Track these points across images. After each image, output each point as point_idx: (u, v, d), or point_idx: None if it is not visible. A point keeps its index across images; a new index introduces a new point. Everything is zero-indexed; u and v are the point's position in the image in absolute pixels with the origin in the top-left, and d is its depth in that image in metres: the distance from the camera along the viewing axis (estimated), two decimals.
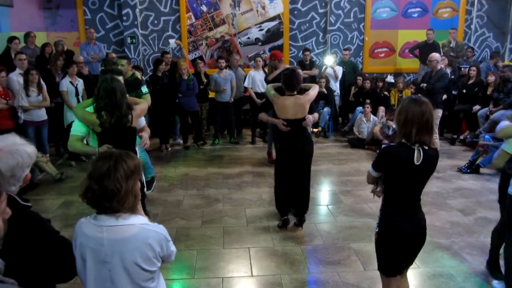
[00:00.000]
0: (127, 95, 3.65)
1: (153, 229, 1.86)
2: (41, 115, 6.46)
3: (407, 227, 2.56)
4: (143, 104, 3.66)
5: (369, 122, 8.04)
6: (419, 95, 2.68)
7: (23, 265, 1.65)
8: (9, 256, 1.55)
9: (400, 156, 2.49)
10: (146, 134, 3.64)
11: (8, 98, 6.09)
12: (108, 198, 1.76)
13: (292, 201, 4.67)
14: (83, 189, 1.79)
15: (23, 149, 1.74)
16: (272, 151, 6.55)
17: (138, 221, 1.84)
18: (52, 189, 5.83)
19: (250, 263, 3.90)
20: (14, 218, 1.53)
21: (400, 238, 2.57)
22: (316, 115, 4.62)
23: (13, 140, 1.76)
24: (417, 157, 2.47)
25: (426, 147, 2.49)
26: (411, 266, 2.87)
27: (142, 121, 3.84)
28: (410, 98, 2.56)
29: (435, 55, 7.37)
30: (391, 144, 2.74)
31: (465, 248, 4.18)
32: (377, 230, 2.69)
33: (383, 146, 2.82)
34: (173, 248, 1.95)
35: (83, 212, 2.88)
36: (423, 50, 9.13)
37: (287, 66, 6.38)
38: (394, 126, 7.72)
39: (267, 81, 6.83)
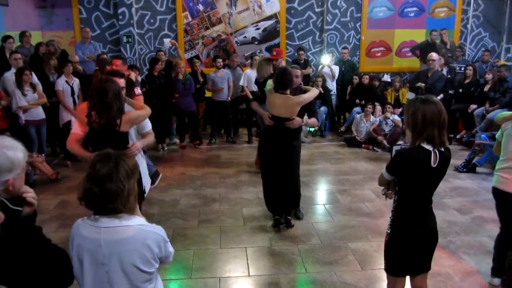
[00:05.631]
0: (127, 99, 3.60)
1: (151, 230, 1.85)
2: (40, 113, 6.45)
3: (420, 229, 2.54)
4: (142, 111, 3.54)
5: (368, 122, 8.05)
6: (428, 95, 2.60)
7: (16, 274, 1.60)
8: (1, 264, 1.52)
9: (417, 160, 2.44)
10: (140, 143, 3.48)
11: (0, 99, 6.06)
12: (111, 200, 1.75)
13: (280, 198, 4.64)
14: (82, 192, 1.77)
15: (2, 151, 1.65)
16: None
17: (136, 222, 1.83)
18: (48, 189, 5.79)
19: (247, 263, 3.89)
20: (4, 224, 1.49)
21: (412, 240, 2.54)
22: (311, 120, 4.61)
23: (0, 141, 1.69)
24: (434, 160, 2.43)
25: (442, 148, 2.45)
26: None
27: (147, 126, 3.70)
28: (419, 99, 2.48)
29: (435, 55, 7.38)
30: (402, 146, 2.69)
31: (462, 247, 4.18)
32: (388, 231, 2.64)
33: (395, 148, 2.74)
34: (171, 249, 1.94)
35: (79, 213, 2.84)
36: (426, 50, 9.08)
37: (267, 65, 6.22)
38: (391, 118, 7.75)
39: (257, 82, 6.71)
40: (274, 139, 4.48)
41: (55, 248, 1.75)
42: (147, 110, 3.60)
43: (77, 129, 3.48)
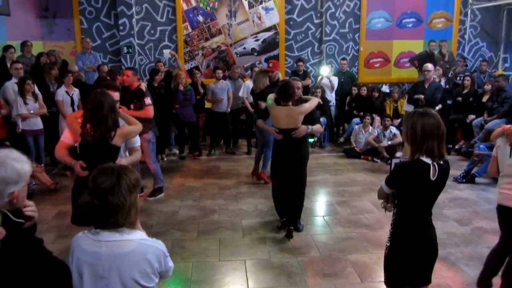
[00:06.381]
0: (120, 112, 3.62)
1: (152, 244, 1.85)
2: (38, 123, 6.48)
3: (419, 242, 2.53)
4: (134, 126, 3.58)
5: (367, 133, 8.06)
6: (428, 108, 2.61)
7: (17, 287, 1.61)
8: (2, 277, 1.52)
9: (417, 173, 2.43)
10: (125, 160, 3.49)
11: (0, 108, 6.09)
12: (112, 213, 1.75)
13: (286, 206, 4.73)
14: (83, 206, 1.77)
15: (11, 163, 1.66)
16: (259, 169, 6.50)
17: (136, 236, 1.83)
18: (46, 199, 5.78)
19: (246, 276, 3.87)
20: (6, 237, 1.49)
21: (412, 253, 2.54)
22: (316, 126, 4.69)
23: (7, 153, 1.70)
24: (433, 173, 2.42)
25: (441, 161, 2.45)
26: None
27: (136, 142, 3.73)
28: (418, 112, 2.49)
29: (430, 65, 7.41)
30: (401, 159, 2.69)
31: (462, 258, 4.17)
32: (388, 244, 2.63)
33: (394, 161, 2.73)
34: (171, 263, 1.93)
35: None
36: (424, 60, 9.14)
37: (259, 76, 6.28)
38: (393, 131, 7.77)
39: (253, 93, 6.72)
40: (286, 150, 4.58)
41: (56, 261, 1.76)
42: (139, 126, 3.65)
43: (67, 138, 3.52)
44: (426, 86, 7.34)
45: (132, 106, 5.17)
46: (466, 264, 4.05)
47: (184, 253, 4.29)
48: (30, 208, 1.83)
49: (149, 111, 5.23)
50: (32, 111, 6.31)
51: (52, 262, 1.74)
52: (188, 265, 4.02)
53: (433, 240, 2.61)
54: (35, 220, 1.90)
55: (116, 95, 3.63)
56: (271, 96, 4.71)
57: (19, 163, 1.69)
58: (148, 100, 5.23)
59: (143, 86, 5.57)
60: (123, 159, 3.50)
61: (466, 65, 9.59)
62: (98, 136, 3.26)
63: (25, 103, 6.24)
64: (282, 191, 4.73)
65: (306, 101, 4.68)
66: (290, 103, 4.53)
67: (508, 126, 3.34)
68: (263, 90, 5.98)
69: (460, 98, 8.15)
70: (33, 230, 1.92)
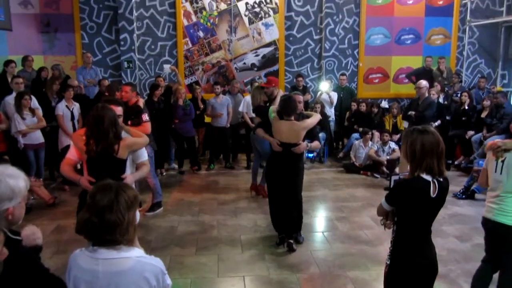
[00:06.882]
0: (123, 126, 3.61)
1: (150, 262, 1.83)
2: (39, 137, 6.50)
3: (420, 260, 2.52)
4: (140, 138, 3.56)
5: (367, 147, 8.07)
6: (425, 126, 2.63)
7: None
8: None
9: (417, 190, 2.44)
10: (132, 177, 3.41)
11: (0, 122, 6.11)
12: (110, 230, 1.73)
13: (286, 219, 4.72)
14: (81, 223, 1.76)
15: (4, 180, 1.65)
16: (257, 183, 6.51)
17: (134, 254, 1.81)
18: (44, 214, 5.75)
19: None
20: (8, 257, 1.49)
21: (412, 271, 2.52)
22: (314, 143, 4.77)
23: (1, 170, 1.69)
24: (433, 190, 2.43)
25: (441, 179, 2.46)
26: None
27: (143, 156, 3.65)
28: (417, 130, 2.50)
29: (423, 82, 7.48)
30: (401, 176, 2.69)
31: (462, 275, 4.13)
32: (388, 262, 2.61)
33: (393, 178, 2.72)
34: (169, 281, 1.91)
35: (76, 238, 2.84)
36: (422, 76, 9.22)
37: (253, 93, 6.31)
38: (392, 146, 7.77)
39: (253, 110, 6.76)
40: (281, 163, 4.63)
41: (53, 278, 1.75)
42: (145, 138, 3.61)
43: (72, 155, 3.52)
44: (419, 102, 7.40)
45: (129, 122, 5.16)
46: (466, 281, 4.00)
47: (182, 269, 4.24)
48: (34, 236, 1.82)
49: (147, 128, 5.20)
50: (30, 126, 6.32)
51: (49, 280, 1.73)
52: (187, 282, 3.98)
53: (433, 258, 2.59)
54: (40, 245, 1.90)
55: (119, 110, 3.61)
56: (273, 109, 4.76)
57: (14, 179, 1.68)
58: (145, 117, 5.22)
59: (141, 102, 5.57)
60: (131, 176, 3.42)
61: (461, 81, 9.65)
62: (101, 150, 3.24)
63: (23, 118, 6.25)
64: (279, 206, 4.74)
65: (308, 116, 4.74)
66: (293, 118, 4.58)
67: (496, 140, 3.37)
68: (259, 106, 6.03)
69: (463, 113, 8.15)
70: (38, 251, 1.92)
